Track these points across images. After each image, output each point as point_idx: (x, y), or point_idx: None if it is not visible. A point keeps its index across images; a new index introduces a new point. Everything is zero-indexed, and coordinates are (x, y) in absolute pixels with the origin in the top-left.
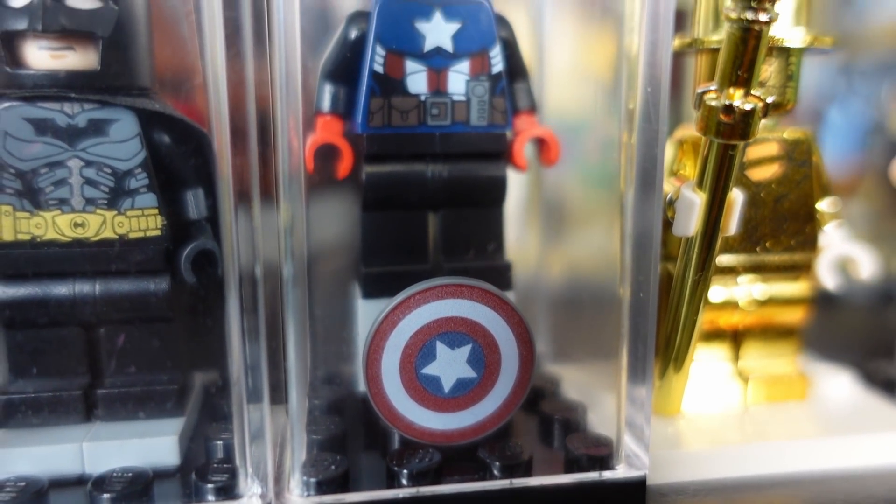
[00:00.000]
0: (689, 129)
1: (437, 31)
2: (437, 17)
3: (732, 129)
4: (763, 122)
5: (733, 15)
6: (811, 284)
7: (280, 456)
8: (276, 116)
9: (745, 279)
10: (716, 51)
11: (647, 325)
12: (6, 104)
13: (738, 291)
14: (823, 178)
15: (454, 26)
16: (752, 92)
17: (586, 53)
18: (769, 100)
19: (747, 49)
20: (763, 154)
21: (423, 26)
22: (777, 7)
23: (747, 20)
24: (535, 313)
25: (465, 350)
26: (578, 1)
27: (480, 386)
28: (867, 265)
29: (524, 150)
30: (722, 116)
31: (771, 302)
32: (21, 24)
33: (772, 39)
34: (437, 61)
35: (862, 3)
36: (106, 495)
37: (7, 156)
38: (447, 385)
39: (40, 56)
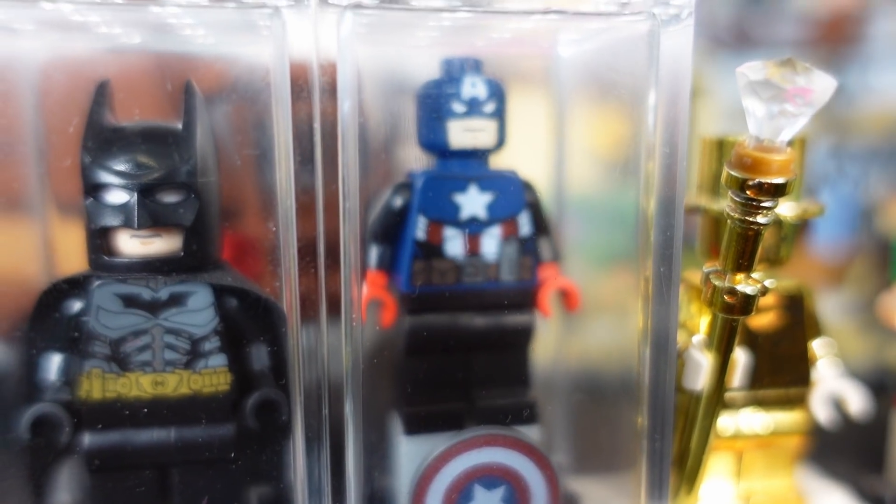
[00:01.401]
0: (695, 273)
1: (473, 202)
2: (473, 190)
3: (734, 307)
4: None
5: (735, 215)
6: (807, 415)
7: None
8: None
9: (747, 411)
10: (717, 217)
11: (664, 454)
12: (98, 282)
13: (740, 421)
14: (816, 322)
15: (488, 197)
16: (753, 275)
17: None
18: (767, 283)
19: (748, 243)
20: (762, 305)
21: (460, 198)
22: (775, 210)
23: (748, 221)
24: (555, 426)
25: (500, 490)
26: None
27: None
28: (856, 401)
29: (549, 299)
30: (726, 297)
31: (771, 431)
32: (117, 222)
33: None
34: (473, 227)
35: (852, 90)
36: None
37: (99, 326)
38: None
39: (132, 244)
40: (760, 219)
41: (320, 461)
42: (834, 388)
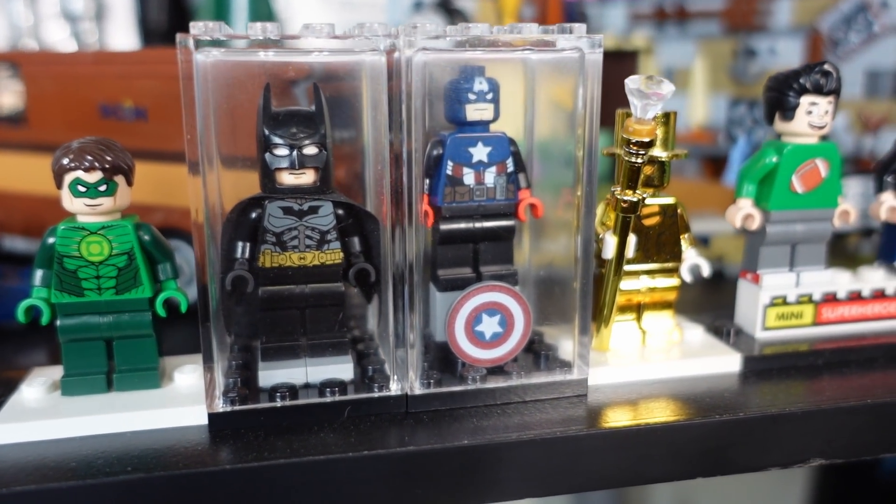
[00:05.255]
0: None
1: (480, 152)
2: (480, 145)
3: (628, 208)
4: (650, 195)
5: (625, 157)
6: (679, 279)
7: (407, 372)
8: (412, 196)
9: (643, 277)
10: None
11: (587, 304)
12: (269, 201)
13: (639, 283)
14: (684, 222)
15: (488, 149)
16: (637, 191)
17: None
18: (644, 196)
19: (633, 173)
20: (650, 212)
21: (472, 150)
22: (648, 153)
23: (631, 161)
24: (528, 296)
25: (497, 317)
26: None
27: (504, 336)
28: (706, 269)
29: (524, 210)
30: (622, 203)
31: (657, 289)
32: (284, 164)
33: (652, 157)
34: (479, 167)
35: (762, 57)
36: (328, 389)
37: (270, 225)
38: (488, 336)
39: (289, 178)
40: (638, 160)
41: (404, 311)
42: (694, 261)
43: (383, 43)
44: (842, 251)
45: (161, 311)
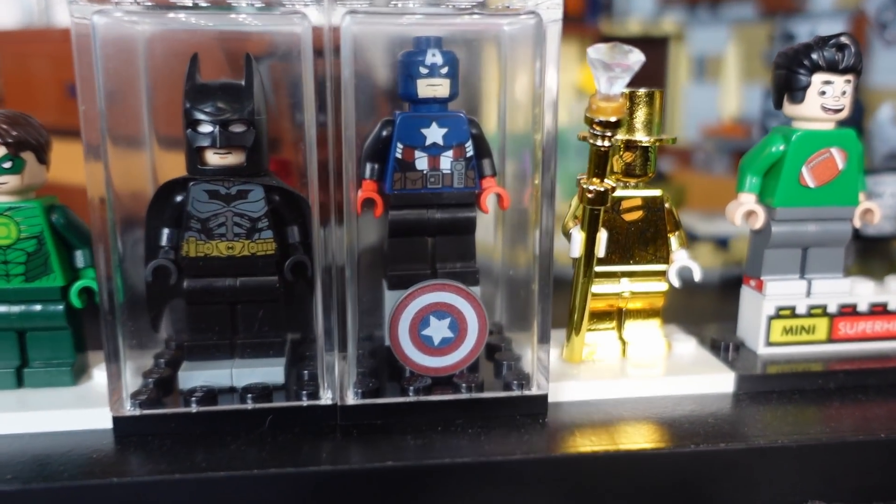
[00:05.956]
0: None
1: (434, 134)
2: (434, 125)
3: (594, 199)
4: (632, 185)
5: (591, 140)
6: (667, 284)
7: (341, 380)
8: (343, 182)
9: (624, 280)
10: None
11: (547, 308)
12: (193, 183)
13: (619, 287)
14: (674, 218)
15: (444, 130)
16: (606, 180)
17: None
18: (613, 185)
19: (600, 159)
20: (632, 205)
21: (425, 131)
22: (615, 137)
23: (597, 145)
24: (499, 297)
25: (447, 321)
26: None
27: (455, 342)
28: (698, 272)
29: (487, 200)
30: (588, 194)
31: (640, 294)
32: (206, 143)
33: (633, 141)
34: (434, 150)
35: (801, 37)
36: (249, 396)
37: (194, 210)
38: (436, 341)
39: (214, 158)
40: (606, 143)
41: (331, 311)
42: (683, 263)
43: (311, 8)
44: (883, 257)
45: (76, 302)
